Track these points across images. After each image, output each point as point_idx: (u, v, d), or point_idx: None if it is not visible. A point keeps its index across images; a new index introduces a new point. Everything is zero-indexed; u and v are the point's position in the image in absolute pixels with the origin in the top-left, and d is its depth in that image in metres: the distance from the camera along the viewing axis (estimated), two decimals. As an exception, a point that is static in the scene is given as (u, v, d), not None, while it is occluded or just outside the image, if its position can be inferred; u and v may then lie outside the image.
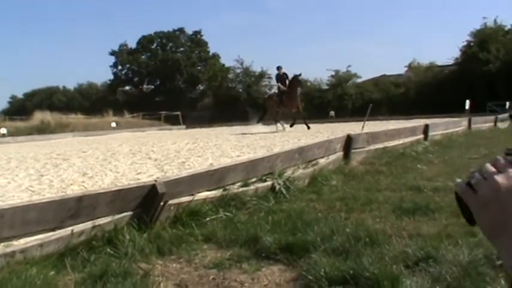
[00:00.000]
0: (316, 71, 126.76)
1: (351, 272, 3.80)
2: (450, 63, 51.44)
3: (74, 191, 8.36)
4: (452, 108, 34.01)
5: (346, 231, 4.82)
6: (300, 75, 25.61)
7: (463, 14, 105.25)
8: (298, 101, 25.17)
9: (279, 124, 25.60)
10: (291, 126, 25.21)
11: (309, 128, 24.52)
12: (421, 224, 5.24)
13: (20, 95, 77.39)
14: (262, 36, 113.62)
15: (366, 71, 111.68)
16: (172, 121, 52.56)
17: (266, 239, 4.73)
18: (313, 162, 8.96)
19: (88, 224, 4.74)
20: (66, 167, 12.57)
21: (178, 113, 54.23)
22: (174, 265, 4.47)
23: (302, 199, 6.82)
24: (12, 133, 38.58)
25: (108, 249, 4.60)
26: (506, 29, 48.52)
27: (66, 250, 4.50)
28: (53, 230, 4.55)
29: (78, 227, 4.64)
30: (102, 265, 4.22)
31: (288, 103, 25.02)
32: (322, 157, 9.25)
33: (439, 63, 52.53)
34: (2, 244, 4.39)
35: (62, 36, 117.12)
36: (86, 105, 69.68)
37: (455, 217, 5.38)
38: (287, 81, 25.53)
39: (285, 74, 26.01)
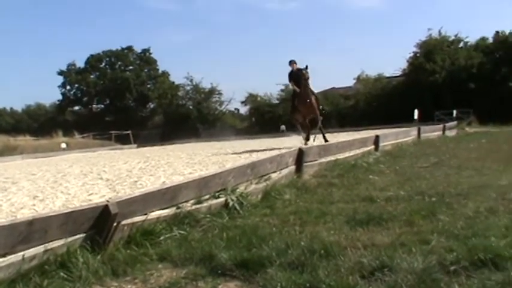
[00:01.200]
0: (267, 85, 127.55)
1: (308, 285, 3.82)
2: (398, 75, 52.63)
3: (24, 214, 8.20)
4: (401, 118, 34.59)
5: (301, 244, 4.84)
6: (305, 68, 19.54)
7: (409, 25, 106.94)
8: (313, 103, 19.63)
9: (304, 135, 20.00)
10: (307, 140, 19.19)
11: (326, 141, 18.42)
12: (375, 234, 5.29)
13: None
14: (211, 52, 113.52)
15: (315, 84, 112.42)
16: (123, 140, 52.21)
17: (221, 256, 4.71)
18: (266, 177, 8.98)
19: (40, 248, 4.65)
20: (15, 190, 12.33)
21: (129, 132, 53.95)
22: (129, 286, 4.42)
23: (256, 214, 6.82)
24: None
25: (62, 273, 4.51)
26: (450, 39, 49.76)
27: (18, 276, 4.39)
28: (3, 256, 4.44)
29: (29, 252, 4.54)
30: (55, 290, 4.14)
31: (302, 108, 19.73)
32: (274, 171, 9.28)
33: (387, 74, 53.60)
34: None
35: (8, 57, 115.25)
36: (35, 126, 69.00)
37: (408, 226, 5.49)
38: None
39: (300, 70, 19.67)
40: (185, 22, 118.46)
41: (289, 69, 20.14)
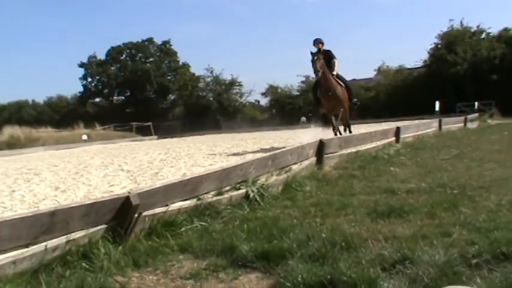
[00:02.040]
0: (288, 76, 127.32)
1: (328, 277, 3.80)
2: (419, 66, 52.08)
3: (46, 205, 8.26)
4: (422, 110, 34.44)
5: (321, 236, 4.82)
6: (328, 51, 16.61)
7: (431, 16, 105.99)
8: (339, 96, 16.37)
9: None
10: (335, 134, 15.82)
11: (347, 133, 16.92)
12: (396, 226, 5.25)
13: (-13, 110, 76.33)
14: (231, 44, 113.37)
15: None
16: (144, 132, 52.37)
17: (242, 248, 4.71)
18: (287, 168, 8.96)
19: (62, 239, 4.68)
20: (38, 181, 12.45)
21: (150, 123, 54.09)
22: (150, 277, 4.43)
23: (276, 206, 6.82)
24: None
25: (84, 264, 4.55)
26: (472, 30, 49.24)
27: (41, 266, 4.43)
28: (26, 246, 4.48)
29: (52, 243, 4.58)
30: (77, 280, 4.15)
31: (325, 102, 16.68)
32: (295, 163, 9.26)
33: (408, 66, 53.12)
34: (-25, 262, 4.32)
35: (30, 50, 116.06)
36: (56, 118, 69.22)
37: (429, 218, 5.45)
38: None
39: (328, 52, 16.55)
40: (205, 14, 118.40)
41: (313, 50, 16.21)
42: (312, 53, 15.92)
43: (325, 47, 16.61)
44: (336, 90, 16.31)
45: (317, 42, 16.42)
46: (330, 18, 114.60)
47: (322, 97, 16.65)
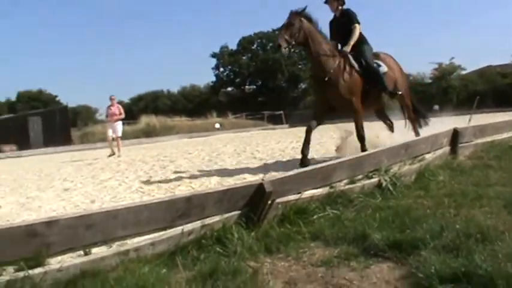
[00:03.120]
0: (420, 64, 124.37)
1: (463, 269, 3.67)
2: None
3: (181, 191, 8.52)
4: None
5: (455, 227, 4.66)
6: (348, 12, 11.11)
7: None
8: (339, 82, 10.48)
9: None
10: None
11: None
12: (536, 219, 5.01)
13: (126, 100, 79.57)
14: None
15: (470, 63, 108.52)
16: (275, 120, 52.86)
17: (374, 236, 4.64)
18: (420, 157, 8.77)
19: (197, 224, 4.81)
20: (173, 168, 12.84)
21: (281, 112, 54.50)
22: (282, 263, 4.46)
23: (409, 195, 6.66)
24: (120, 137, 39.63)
25: (217, 248, 4.65)
26: None
27: (177, 249, 4.58)
28: (164, 229, 4.65)
29: (187, 227, 4.72)
30: (211, 263, 4.25)
31: (317, 90, 11.68)
32: (428, 152, 9.04)
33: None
34: (116, 243, 4.52)
35: (166, 41, 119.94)
36: (190, 107, 71.08)
37: None
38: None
39: (347, 15, 11.09)
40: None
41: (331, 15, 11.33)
42: (329, 24, 11.36)
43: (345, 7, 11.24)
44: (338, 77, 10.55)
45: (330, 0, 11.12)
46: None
47: (313, 85, 12.20)
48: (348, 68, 10.64)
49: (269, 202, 5.31)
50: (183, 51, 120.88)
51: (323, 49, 10.53)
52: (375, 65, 10.99)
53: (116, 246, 4.48)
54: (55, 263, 4.05)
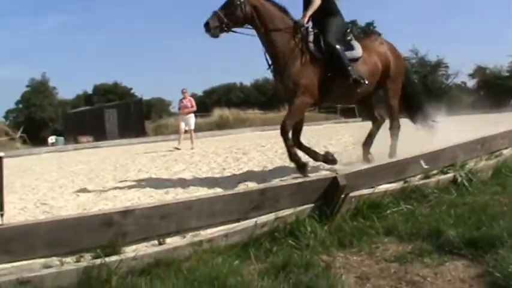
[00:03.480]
0: (497, 56, 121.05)
1: (543, 270, 3.58)
2: None
3: (254, 183, 8.55)
4: None
5: (535, 226, 4.56)
6: None
7: None
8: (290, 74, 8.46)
9: None
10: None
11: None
12: None
13: (199, 93, 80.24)
14: (436, 25, 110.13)
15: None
16: (348, 114, 52.42)
17: (449, 233, 4.56)
18: (497, 153, 8.58)
19: (271, 216, 4.84)
20: (246, 160, 12.88)
21: (354, 106, 54.05)
22: (354, 258, 4.45)
23: (485, 192, 6.52)
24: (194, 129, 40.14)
25: (290, 241, 4.67)
26: None
27: (250, 241, 4.62)
28: (237, 221, 4.70)
29: (261, 219, 4.75)
30: (284, 256, 4.28)
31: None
32: (506, 148, 8.84)
33: None
34: (190, 234, 4.58)
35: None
36: (262, 100, 71.14)
37: None
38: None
39: None
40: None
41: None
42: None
43: None
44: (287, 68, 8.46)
45: None
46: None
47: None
48: (303, 48, 8.50)
49: (342, 196, 5.30)
50: (252, 44, 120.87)
51: (275, 24, 8.46)
52: (338, 45, 8.51)
53: (189, 237, 4.55)
54: (130, 251, 4.15)
